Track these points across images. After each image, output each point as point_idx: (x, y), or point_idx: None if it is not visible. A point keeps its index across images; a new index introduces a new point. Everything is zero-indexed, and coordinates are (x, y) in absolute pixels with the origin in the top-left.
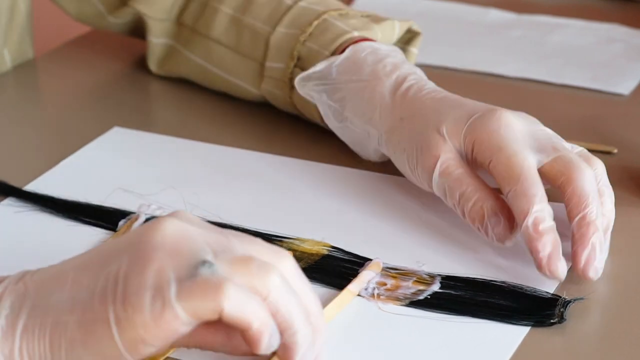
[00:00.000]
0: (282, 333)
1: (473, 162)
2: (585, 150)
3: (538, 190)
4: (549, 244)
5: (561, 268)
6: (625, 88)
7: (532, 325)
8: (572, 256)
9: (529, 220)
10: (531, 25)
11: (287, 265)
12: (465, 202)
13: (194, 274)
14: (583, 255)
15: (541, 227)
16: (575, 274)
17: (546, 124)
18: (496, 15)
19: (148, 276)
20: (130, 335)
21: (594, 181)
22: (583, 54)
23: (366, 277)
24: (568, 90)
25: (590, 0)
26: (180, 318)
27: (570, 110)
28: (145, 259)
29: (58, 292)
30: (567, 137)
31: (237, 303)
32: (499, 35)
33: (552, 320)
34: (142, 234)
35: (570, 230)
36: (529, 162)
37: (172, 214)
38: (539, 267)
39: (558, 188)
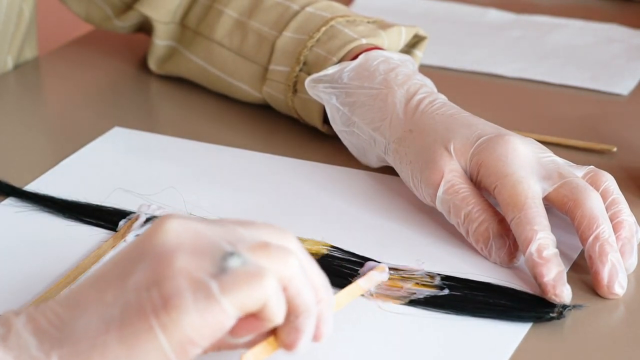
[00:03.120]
0: (296, 316)
1: (478, 184)
2: (594, 168)
3: (542, 219)
4: (554, 268)
5: (566, 292)
6: (624, 88)
7: (532, 321)
8: (592, 277)
9: (533, 247)
10: (530, 26)
11: (295, 245)
12: (470, 223)
13: (224, 268)
14: (604, 272)
15: (545, 253)
16: (600, 293)
17: (546, 124)
18: (495, 15)
19: (180, 278)
20: (178, 338)
21: (601, 204)
22: (582, 54)
23: (375, 278)
24: (567, 90)
25: (590, 0)
26: (227, 312)
27: (569, 110)
28: (168, 262)
29: (82, 317)
30: (567, 137)
31: (279, 293)
32: (498, 35)
33: (551, 315)
34: (153, 239)
35: (586, 254)
36: (534, 191)
37: (169, 215)
38: (545, 291)
39: (566, 213)
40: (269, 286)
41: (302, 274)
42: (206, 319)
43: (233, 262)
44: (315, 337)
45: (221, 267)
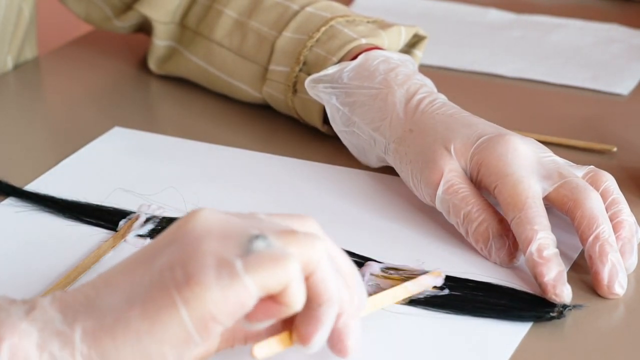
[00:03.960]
0: (318, 304)
1: (478, 184)
2: (594, 168)
3: (542, 219)
4: (554, 268)
5: (567, 292)
6: (624, 88)
7: (532, 321)
8: (592, 277)
9: (533, 247)
10: (531, 26)
11: (322, 234)
12: (469, 223)
13: (250, 249)
14: (605, 272)
15: (545, 253)
16: (600, 293)
17: (546, 124)
18: (496, 15)
19: (207, 256)
20: (200, 313)
21: (601, 204)
22: (582, 54)
23: (425, 282)
24: (567, 90)
25: (590, 0)
26: (249, 290)
27: (569, 110)
28: (195, 245)
29: (109, 295)
30: (567, 137)
31: (301, 275)
32: (498, 35)
33: (552, 314)
34: (183, 227)
35: (586, 254)
36: (534, 190)
37: (200, 208)
38: (545, 291)
39: (566, 213)
40: (292, 269)
41: (328, 261)
42: (228, 296)
43: (259, 244)
44: (336, 348)
45: (247, 248)
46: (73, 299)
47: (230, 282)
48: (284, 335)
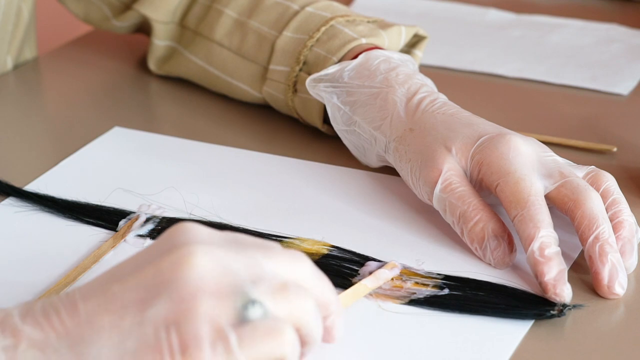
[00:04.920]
0: (301, 345)
1: (478, 184)
2: (595, 168)
3: (544, 216)
4: (555, 267)
5: (567, 291)
6: (624, 88)
7: (532, 319)
8: (593, 277)
9: (535, 245)
10: (530, 25)
11: (306, 269)
12: (465, 222)
13: (245, 317)
14: (605, 272)
15: (547, 251)
16: (600, 293)
17: (545, 124)
18: (495, 15)
19: (201, 324)
20: None
21: (601, 204)
22: (582, 54)
23: (382, 276)
24: (567, 90)
25: (590, 0)
26: None
27: (569, 110)
28: (189, 303)
29: (96, 342)
30: (567, 137)
31: (296, 346)
32: (498, 35)
33: (552, 312)
34: (176, 271)
35: (586, 254)
36: (536, 188)
37: (193, 241)
38: (545, 290)
39: (566, 213)
40: (287, 343)
41: (316, 315)
42: None
43: (254, 313)
44: (326, 340)
45: (242, 316)
46: (57, 339)
47: (225, 358)
48: None
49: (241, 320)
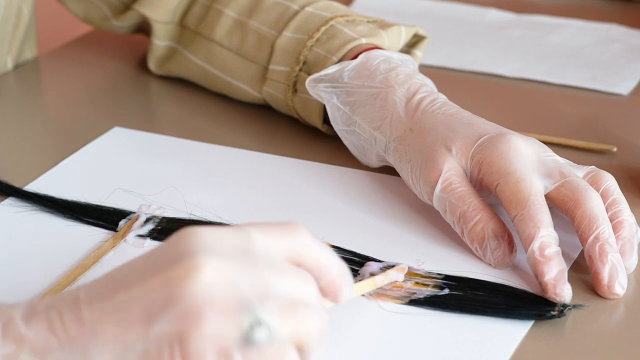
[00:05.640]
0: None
1: (478, 184)
2: (595, 168)
3: (545, 216)
4: (555, 267)
5: (567, 291)
6: (624, 88)
7: (533, 319)
8: (593, 277)
9: (535, 245)
10: (530, 25)
11: (315, 296)
12: (465, 222)
13: (251, 339)
14: (605, 272)
15: (547, 251)
16: (600, 293)
17: (545, 124)
18: (495, 15)
19: (206, 342)
20: None
21: (601, 204)
22: (582, 54)
23: (392, 277)
24: (567, 90)
25: (590, 0)
26: None
27: (569, 110)
28: (196, 322)
29: (99, 353)
30: (567, 137)
31: None
32: (498, 35)
33: (552, 313)
34: (183, 284)
35: (586, 254)
36: (537, 187)
37: (201, 254)
38: (545, 290)
39: (566, 213)
40: None
41: (321, 335)
42: None
43: (259, 335)
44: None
45: (247, 337)
46: (58, 345)
47: None
48: None
49: (246, 340)
